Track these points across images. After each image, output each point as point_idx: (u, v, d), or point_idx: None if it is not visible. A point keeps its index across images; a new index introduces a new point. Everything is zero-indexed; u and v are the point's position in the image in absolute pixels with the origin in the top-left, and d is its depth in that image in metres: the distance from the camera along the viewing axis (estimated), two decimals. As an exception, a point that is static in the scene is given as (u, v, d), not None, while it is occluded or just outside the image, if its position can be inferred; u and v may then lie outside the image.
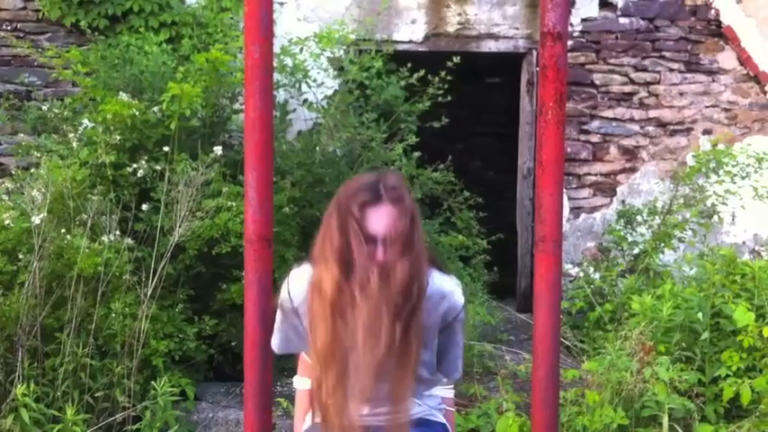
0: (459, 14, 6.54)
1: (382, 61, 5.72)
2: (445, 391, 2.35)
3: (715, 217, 6.31)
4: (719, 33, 6.67)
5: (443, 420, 2.30)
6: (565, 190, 6.26)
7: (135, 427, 4.08)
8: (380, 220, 2.01)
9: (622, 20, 6.63)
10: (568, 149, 6.48)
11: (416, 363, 2.06)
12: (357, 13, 6.36)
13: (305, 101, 5.75)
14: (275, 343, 2.22)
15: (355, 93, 5.70)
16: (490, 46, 6.62)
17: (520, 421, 3.93)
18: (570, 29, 6.46)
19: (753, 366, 4.34)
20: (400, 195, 2.05)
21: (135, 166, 4.67)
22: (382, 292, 1.99)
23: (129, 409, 4.08)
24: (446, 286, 2.16)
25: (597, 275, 6.00)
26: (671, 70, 6.70)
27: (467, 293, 2.32)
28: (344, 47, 6.02)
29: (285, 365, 4.34)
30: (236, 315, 4.58)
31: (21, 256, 4.14)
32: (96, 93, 5.14)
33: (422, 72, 5.63)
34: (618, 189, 6.72)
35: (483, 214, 6.04)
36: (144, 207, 4.61)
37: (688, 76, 6.71)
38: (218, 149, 4.72)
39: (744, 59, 6.67)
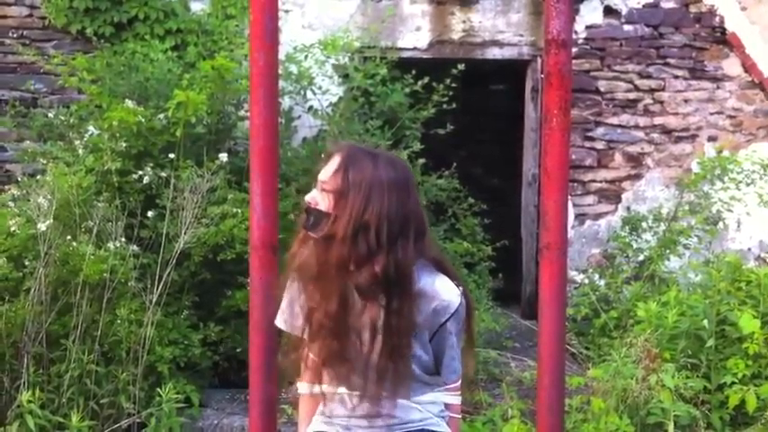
0: (464, 22, 6.55)
1: (387, 68, 5.73)
2: (451, 398, 2.30)
3: (720, 224, 6.29)
4: (724, 40, 6.67)
5: (446, 429, 2.26)
6: (569, 197, 6.27)
7: (140, 433, 4.08)
8: (326, 165, 2.10)
9: (626, 27, 6.64)
10: (573, 156, 6.48)
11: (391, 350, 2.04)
12: (361, 20, 6.37)
13: (310, 108, 5.76)
14: (280, 319, 2.26)
15: (360, 100, 5.71)
16: (494, 53, 6.63)
17: (525, 428, 3.92)
18: (574, 36, 6.46)
19: (758, 374, 4.33)
20: (355, 156, 2.06)
21: (140, 172, 4.68)
22: (318, 246, 2.05)
23: (134, 415, 4.08)
24: (438, 285, 2.11)
25: (602, 282, 5.99)
26: (675, 77, 6.70)
27: (469, 300, 2.28)
28: (349, 54, 6.03)
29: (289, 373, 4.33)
30: (241, 321, 4.58)
31: (27, 263, 4.15)
32: (102, 100, 5.16)
33: (426, 79, 5.64)
34: (623, 196, 6.71)
35: (487, 221, 6.04)
36: (149, 214, 4.62)
37: (693, 82, 6.71)
38: (223, 156, 4.74)
39: (748, 66, 6.66)
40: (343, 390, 2.15)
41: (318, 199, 2.07)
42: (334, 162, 2.08)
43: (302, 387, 2.31)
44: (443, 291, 2.11)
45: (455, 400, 2.29)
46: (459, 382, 2.32)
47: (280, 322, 2.23)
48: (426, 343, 2.14)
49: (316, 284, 2.07)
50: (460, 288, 2.16)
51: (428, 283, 2.09)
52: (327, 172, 2.07)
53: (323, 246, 2.03)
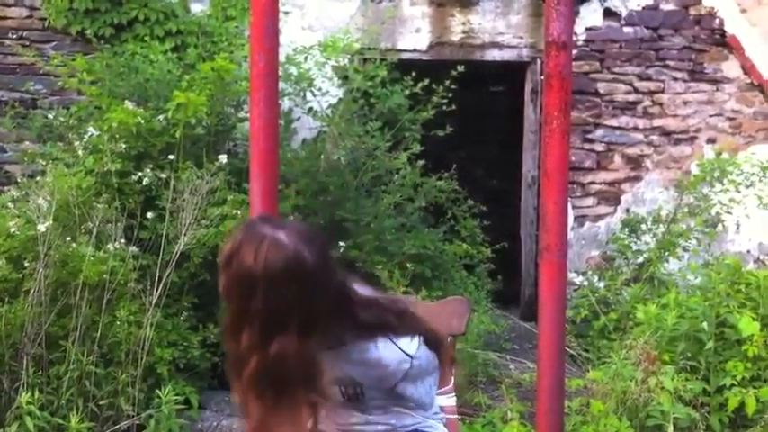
0: (464, 23, 6.55)
1: (386, 70, 5.74)
2: (445, 400, 2.29)
3: (719, 226, 6.30)
4: (724, 42, 6.67)
5: (443, 431, 2.24)
6: (569, 199, 6.27)
7: (139, 435, 4.08)
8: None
9: (626, 29, 6.64)
10: (572, 158, 6.48)
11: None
12: (361, 21, 6.38)
13: (309, 109, 5.76)
14: None
15: (360, 101, 5.71)
16: (494, 55, 6.63)
17: (524, 430, 3.92)
18: (574, 38, 6.46)
19: (757, 376, 4.33)
20: (241, 245, 1.87)
21: (140, 174, 4.68)
22: None
23: (133, 417, 4.08)
24: (382, 351, 2.00)
25: (601, 284, 5.99)
26: (675, 79, 6.70)
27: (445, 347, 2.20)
28: (349, 55, 6.03)
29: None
30: (241, 323, 4.57)
31: (26, 264, 4.14)
32: (102, 101, 5.16)
33: (426, 81, 5.64)
34: (622, 198, 6.72)
35: (487, 222, 6.04)
36: (149, 215, 4.62)
37: (692, 84, 6.71)
38: (222, 158, 4.74)
39: (748, 68, 6.67)
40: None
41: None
42: (228, 246, 1.92)
43: None
44: (386, 356, 2.01)
45: (449, 401, 2.28)
46: (452, 383, 2.31)
47: None
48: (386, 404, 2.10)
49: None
50: (415, 342, 2.05)
51: (370, 351, 1.99)
52: (222, 254, 1.93)
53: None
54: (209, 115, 5.05)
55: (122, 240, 4.39)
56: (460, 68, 5.63)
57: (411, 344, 2.04)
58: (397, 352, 2.01)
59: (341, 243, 5.02)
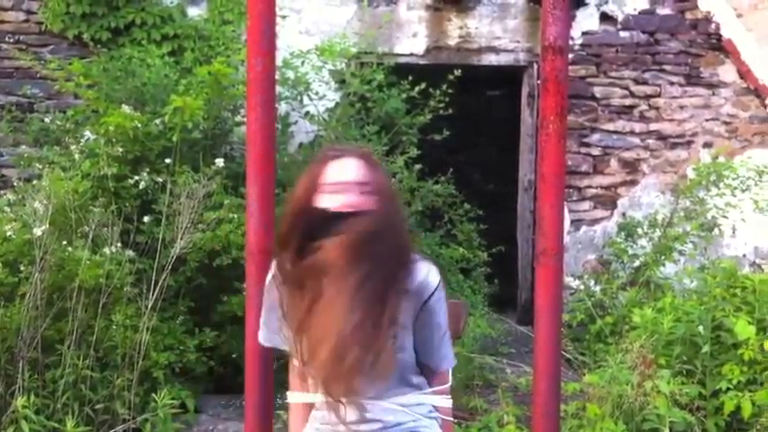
0: (460, 28, 6.56)
1: (383, 74, 5.74)
2: (440, 400, 2.27)
3: (715, 230, 6.31)
4: (720, 47, 6.69)
5: (437, 431, 2.23)
6: (566, 202, 6.28)
7: (135, 439, 4.07)
8: (344, 169, 2.03)
9: (623, 33, 6.66)
10: (569, 162, 6.49)
11: (388, 334, 1.99)
12: (358, 26, 6.38)
13: (306, 113, 5.77)
14: (261, 335, 2.20)
15: (356, 105, 5.72)
16: (491, 59, 6.64)
17: (521, 434, 3.92)
18: (571, 42, 6.48)
19: (753, 380, 4.33)
20: (365, 154, 2.10)
21: (137, 177, 4.68)
22: (343, 245, 1.96)
23: (129, 421, 4.07)
24: (418, 266, 2.07)
25: (598, 288, 5.99)
26: (671, 83, 6.71)
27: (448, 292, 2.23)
28: (346, 60, 6.04)
29: (285, 378, 4.33)
30: (237, 327, 4.57)
31: (22, 268, 4.14)
32: (98, 105, 5.16)
33: (423, 85, 5.65)
34: (618, 202, 6.73)
35: (483, 226, 6.05)
36: (145, 219, 4.62)
37: (688, 89, 6.73)
38: (219, 161, 4.74)
39: (744, 73, 6.68)
40: (326, 397, 2.12)
41: (358, 202, 2.00)
42: (356, 165, 2.03)
43: (293, 396, 2.30)
44: (423, 270, 2.07)
45: (445, 402, 2.26)
46: (449, 384, 2.30)
47: (263, 340, 2.19)
48: (407, 334, 2.08)
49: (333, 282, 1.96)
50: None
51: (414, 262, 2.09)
52: (361, 175, 2.02)
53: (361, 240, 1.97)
54: (206, 119, 5.06)
55: (119, 244, 4.39)
56: (457, 72, 5.64)
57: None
58: (426, 263, 2.10)
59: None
